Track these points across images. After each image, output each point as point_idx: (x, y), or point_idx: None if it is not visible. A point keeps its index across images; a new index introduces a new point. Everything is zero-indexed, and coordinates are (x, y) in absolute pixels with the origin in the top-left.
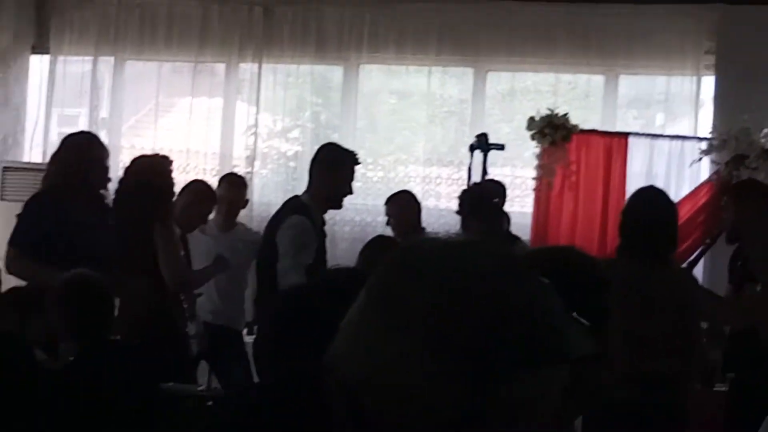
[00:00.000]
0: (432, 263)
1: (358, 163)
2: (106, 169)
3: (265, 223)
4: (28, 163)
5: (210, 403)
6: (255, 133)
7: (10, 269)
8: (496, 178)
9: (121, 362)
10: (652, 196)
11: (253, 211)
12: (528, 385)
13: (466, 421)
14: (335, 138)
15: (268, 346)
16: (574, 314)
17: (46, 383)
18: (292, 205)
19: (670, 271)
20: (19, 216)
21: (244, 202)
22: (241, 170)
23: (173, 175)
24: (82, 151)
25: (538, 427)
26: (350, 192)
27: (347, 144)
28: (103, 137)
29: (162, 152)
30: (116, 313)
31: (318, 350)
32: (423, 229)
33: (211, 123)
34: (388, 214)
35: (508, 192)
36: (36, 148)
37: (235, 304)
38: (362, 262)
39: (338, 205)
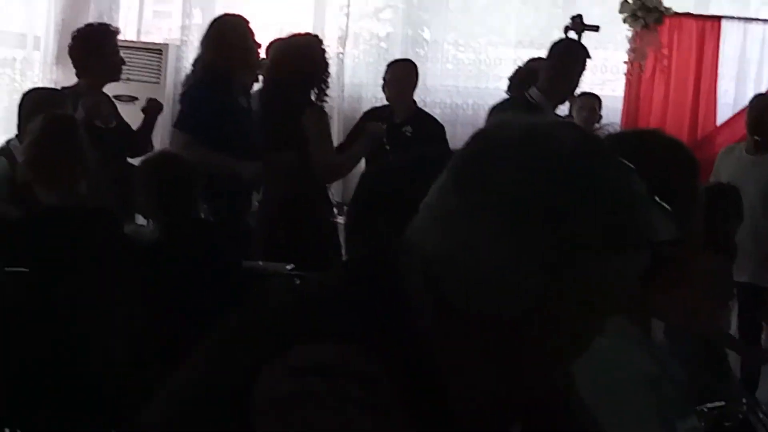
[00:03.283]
0: (515, 144)
1: None
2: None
3: (356, 105)
4: (123, 40)
5: (297, 281)
6: (347, 14)
7: (184, 154)
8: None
9: (204, 240)
10: None
11: (345, 92)
12: (610, 266)
13: (544, 301)
14: (427, 18)
15: (353, 226)
16: (657, 198)
17: (134, 258)
18: None
19: None
20: (185, 99)
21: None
22: (332, 50)
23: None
24: (241, 35)
25: (616, 309)
26: None
27: (437, 25)
28: (197, 14)
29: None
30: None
31: (401, 229)
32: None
33: (304, 1)
34: (385, 78)
35: (600, 75)
36: (130, 25)
37: None
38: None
39: None
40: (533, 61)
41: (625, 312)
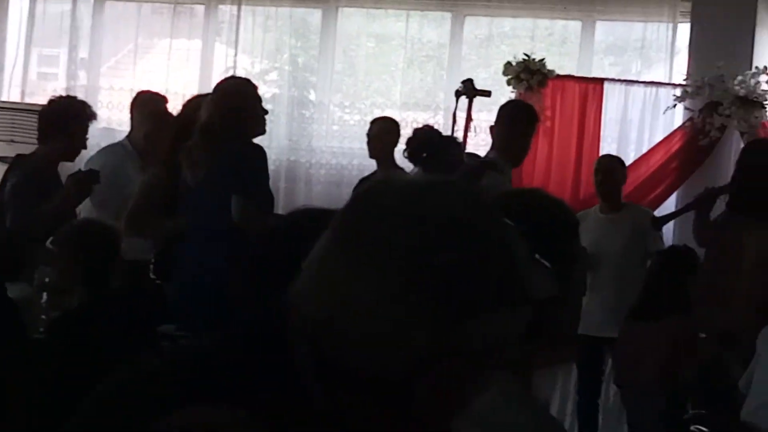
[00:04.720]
0: (399, 202)
1: None
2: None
3: None
4: (6, 102)
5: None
6: (232, 76)
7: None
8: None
9: (122, 309)
10: None
11: None
12: (491, 325)
13: (430, 361)
14: (313, 81)
15: (238, 288)
16: (538, 256)
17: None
18: None
19: None
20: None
21: None
22: None
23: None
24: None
25: (499, 366)
26: None
27: (323, 87)
28: (82, 78)
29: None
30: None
31: (282, 291)
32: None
33: (189, 65)
34: (368, 134)
35: (484, 137)
36: (15, 87)
37: None
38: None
39: None
40: (427, 127)
41: (508, 368)
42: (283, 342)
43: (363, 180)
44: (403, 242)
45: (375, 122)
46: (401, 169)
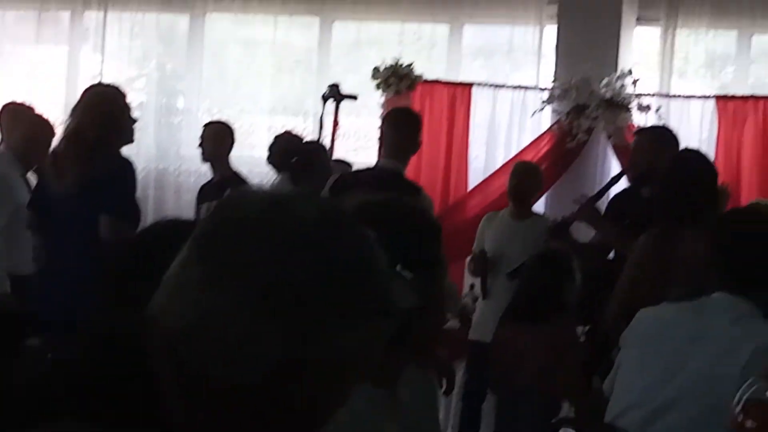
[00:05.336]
0: (256, 215)
1: None
2: None
3: None
4: None
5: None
6: (100, 82)
7: None
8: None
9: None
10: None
11: None
12: (350, 336)
13: (289, 372)
14: (181, 88)
15: (99, 302)
16: (398, 267)
17: None
18: None
19: None
20: None
21: None
22: None
23: None
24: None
25: (362, 378)
26: None
27: (191, 93)
28: None
29: (5, 101)
30: None
31: (144, 304)
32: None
33: (55, 72)
34: (202, 136)
35: (354, 142)
36: None
37: None
38: None
39: None
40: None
41: (371, 377)
42: (143, 355)
43: (203, 186)
44: (260, 254)
45: (208, 126)
46: (236, 173)
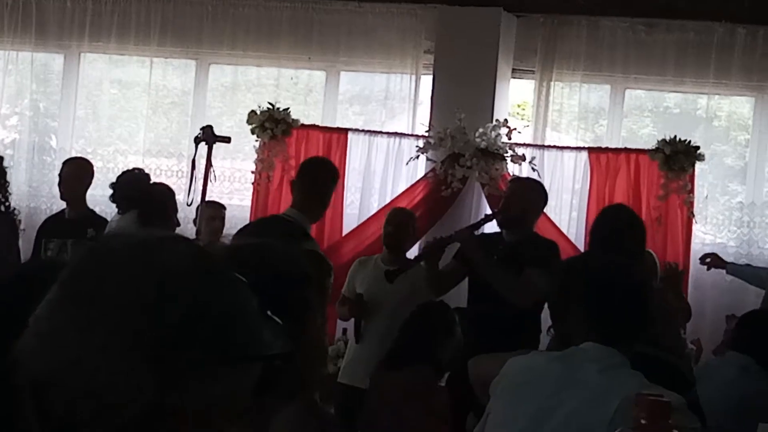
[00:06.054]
0: (124, 258)
1: None
2: None
3: None
4: None
5: None
6: None
7: None
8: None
9: None
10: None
11: None
12: (219, 381)
13: (156, 417)
14: (54, 126)
15: None
16: (268, 312)
17: None
18: None
19: None
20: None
21: None
22: None
23: None
24: None
25: (230, 423)
26: None
27: (65, 132)
28: None
29: None
30: None
31: (9, 346)
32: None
33: None
34: (60, 174)
35: (229, 185)
36: None
37: None
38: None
39: None
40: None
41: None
42: (8, 398)
43: (47, 221)
44: (127, 299)
45: (67, 163)
46: (92, 210)
